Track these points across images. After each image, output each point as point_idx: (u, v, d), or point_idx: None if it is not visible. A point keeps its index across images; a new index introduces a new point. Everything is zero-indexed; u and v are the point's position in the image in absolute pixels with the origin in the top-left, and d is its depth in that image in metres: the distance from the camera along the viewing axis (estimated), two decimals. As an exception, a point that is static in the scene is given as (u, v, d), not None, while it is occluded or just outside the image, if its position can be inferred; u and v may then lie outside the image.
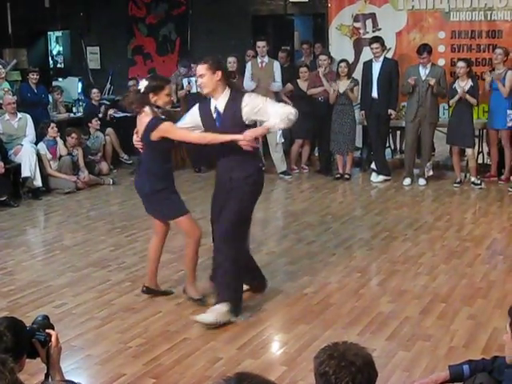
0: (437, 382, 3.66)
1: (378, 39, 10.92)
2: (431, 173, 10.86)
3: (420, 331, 5.53)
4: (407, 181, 10.83)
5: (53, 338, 3.20)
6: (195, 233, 6.09)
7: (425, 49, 10.57)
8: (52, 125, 10.90)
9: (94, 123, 11.85)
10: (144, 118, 5.87)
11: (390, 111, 10.84)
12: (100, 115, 12.23)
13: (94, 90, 12.64)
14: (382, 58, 10.86)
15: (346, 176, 11.24)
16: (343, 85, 10.98)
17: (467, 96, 10.11)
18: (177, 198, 6.11)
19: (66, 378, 3.26)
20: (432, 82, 10.35)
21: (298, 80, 11.74)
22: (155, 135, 5.80)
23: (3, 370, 2.41)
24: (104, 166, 11.89)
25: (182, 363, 5.07)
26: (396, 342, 5.34)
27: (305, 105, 11.43)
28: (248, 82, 11.55)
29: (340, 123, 11.03)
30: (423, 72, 10.53)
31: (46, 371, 3.21)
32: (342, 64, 11.04)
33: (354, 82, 11.03)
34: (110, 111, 12.54)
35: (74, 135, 11.06)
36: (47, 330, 3.21)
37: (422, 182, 10.76)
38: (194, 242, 6.10)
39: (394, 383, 4.69)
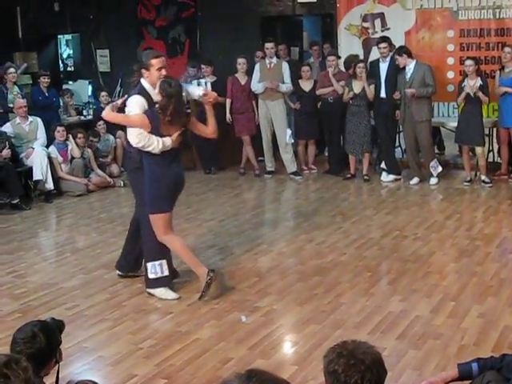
0: (446, 380, 3.68)
1: (385, 39, 10.86)
2: (440, 169, 10.67)
3: (430, 330, 5.54)
4: (414, 180, 10.78)
5: None
6: None
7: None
8: (58, 128, 10.92)
9: (99, 126, 11.86)
10: None
11: (397, 112, 10.79)
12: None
13: (103, 93, 12.66)
14: (388, 58, 10.78)
15: (366, 177, 11.08)
16: (359, 85, 10.85)
17: (479, 94, 10.04)
18: None
19: (79, 378, 3.30)
20: (409, 92, 10.25)
21: (299, 80, 11.67)
22: None
23: (16, 368, 2.45)
24: (115, 169, 11.91)
25: (193, 364, 5.09)
26: (406, 341, 5.34)
27: (307, 105, 11.45)
28: (256, 84, 11.41)
29: (355, 124, 10.90)
30: (409, 71, 10.43)
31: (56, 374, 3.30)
32: (361, 64, 10.91)
33: (372, 81, 10.83)
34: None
35: (80, 135, 11.09)
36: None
37: (432, 181, 10.67)
38: None
39: (404, 382, 4.70)
